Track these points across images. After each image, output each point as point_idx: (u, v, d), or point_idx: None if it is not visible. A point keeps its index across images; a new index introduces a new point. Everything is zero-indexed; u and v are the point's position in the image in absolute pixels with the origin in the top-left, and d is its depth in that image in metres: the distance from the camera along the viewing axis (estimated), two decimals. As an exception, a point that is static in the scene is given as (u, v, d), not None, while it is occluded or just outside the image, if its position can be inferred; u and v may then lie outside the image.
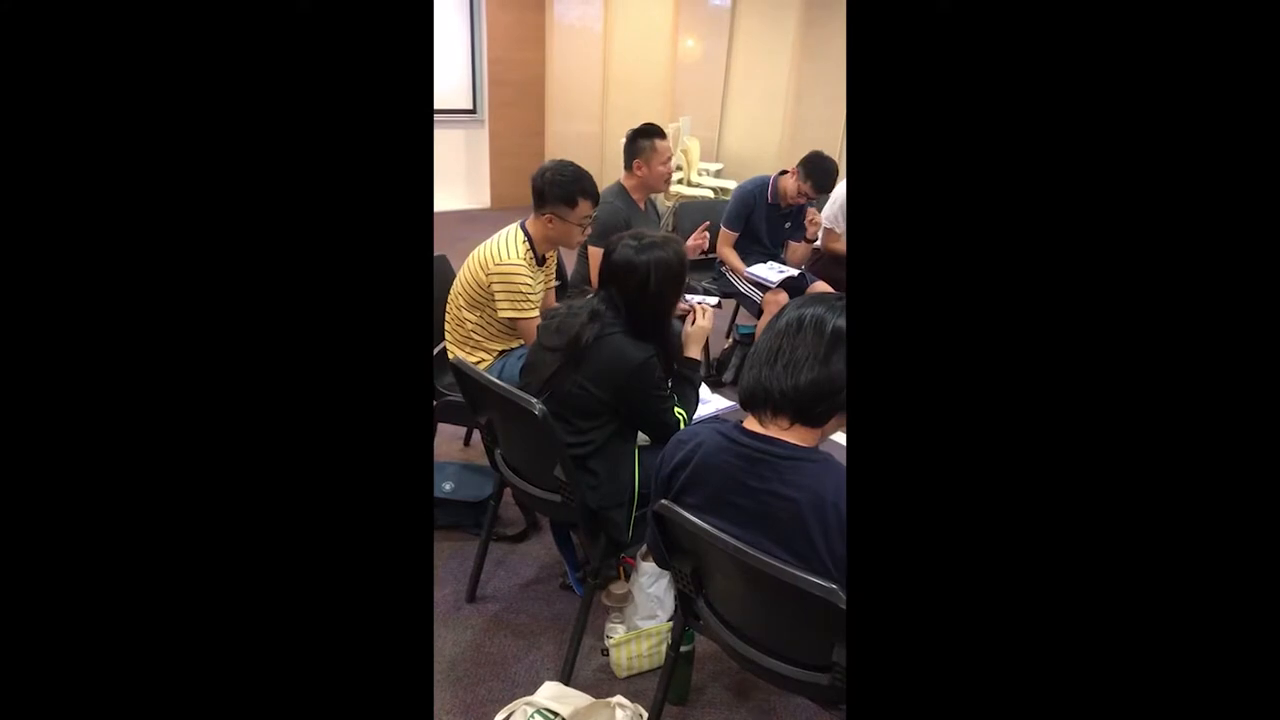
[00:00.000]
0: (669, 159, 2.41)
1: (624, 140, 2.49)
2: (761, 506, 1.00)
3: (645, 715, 1.41)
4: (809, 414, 1.00)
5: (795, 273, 2.81)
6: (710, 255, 2.99)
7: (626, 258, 1.43)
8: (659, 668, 1.56)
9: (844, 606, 0.90)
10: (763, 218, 2.86)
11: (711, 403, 1.83)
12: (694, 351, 1.63)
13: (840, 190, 3.01)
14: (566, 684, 1.46)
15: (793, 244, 2.92)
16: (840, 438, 1.02)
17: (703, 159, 5.56)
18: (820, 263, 3.04)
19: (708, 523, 1.03)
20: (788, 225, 2.91)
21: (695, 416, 1.59)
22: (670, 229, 3.52)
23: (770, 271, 2.80)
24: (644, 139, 2.43)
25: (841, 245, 3.03)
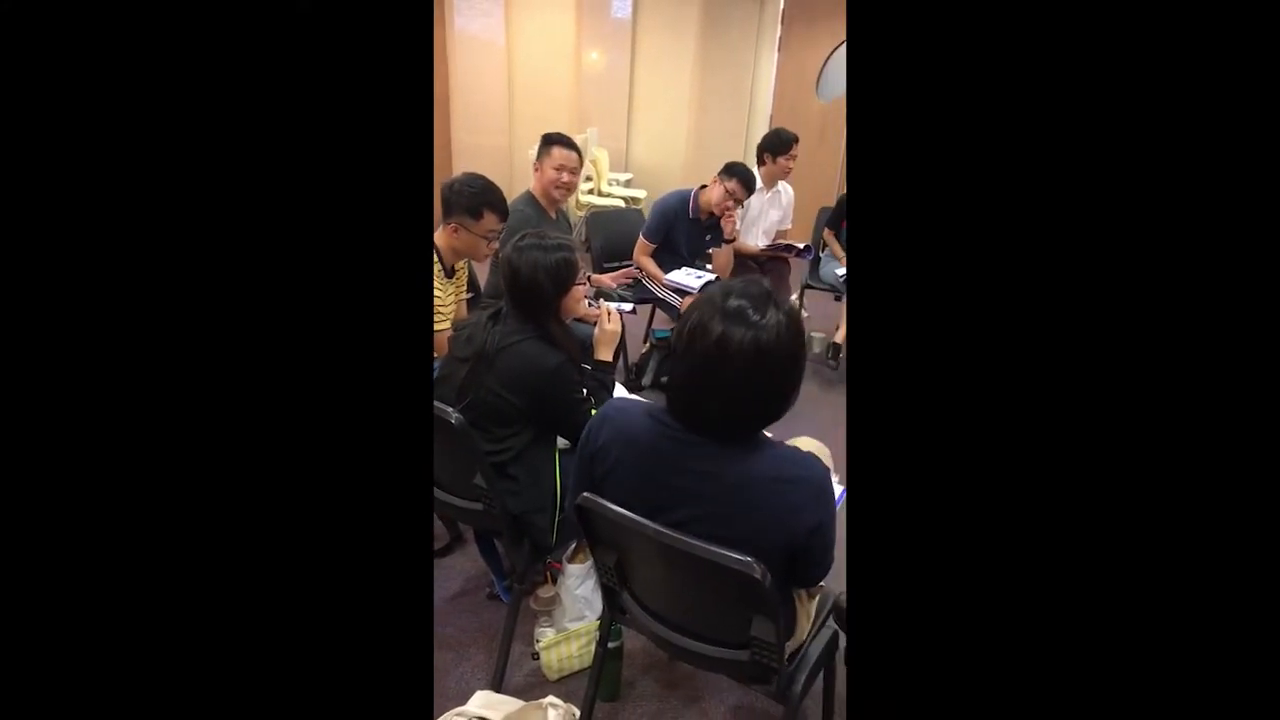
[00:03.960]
0: (563, 166, 2.41)
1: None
2: (692, 486, 1.03)
3: (578, 714, 1.42)
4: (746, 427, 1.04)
5: (713, 278, 2.89)
6: (624, 264, 3.05)
7: (507, 256, 1.46)
8: (590, 667, 1.58)
9: (759, 578, 0.96)
10: (683, 232, 2.92)
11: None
12: (604, 354, 1.66)
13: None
14: (498, 691, 1.46)
15: (714, 252, 3.00)
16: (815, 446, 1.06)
17: (612, 169, 5.63)
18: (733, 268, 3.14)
19: (633, 506, 1.05)
20: (708, 238, 2.99)
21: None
22: (582, 239, 3.56)
23: (689, 278, 2.87)
24: (543, 145, 2.46)
25: (743, 245, 3.15)
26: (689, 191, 2.89)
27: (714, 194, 2.78)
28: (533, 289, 1.45)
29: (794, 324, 0.99)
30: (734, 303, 0.98)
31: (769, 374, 0.97)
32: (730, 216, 2.84)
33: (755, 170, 3.13)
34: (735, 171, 2.74)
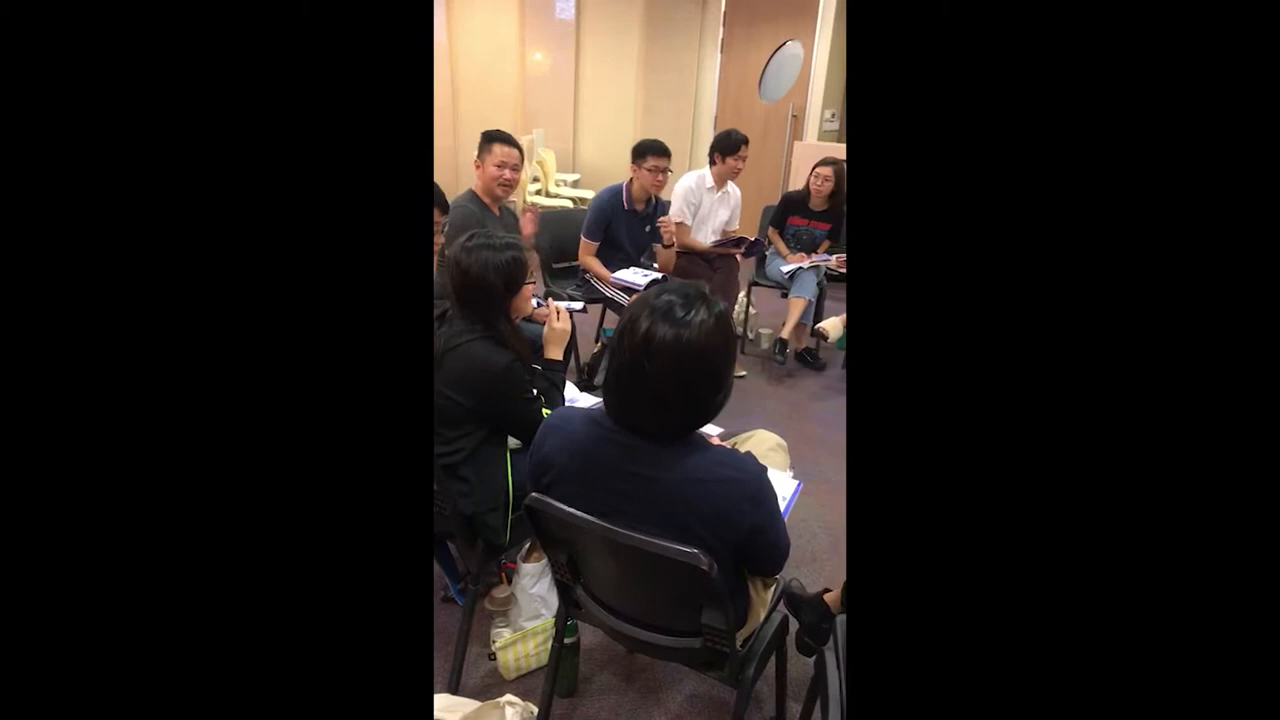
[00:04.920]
0: (504, 163, 2.42)
1: None
2: (635, 488, 1.05)
3: (536, 711, 1.43)
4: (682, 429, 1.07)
5: (660, 276, 2.93)
6: (573, 264, 3.06)
7: (455, 256, 1.46)
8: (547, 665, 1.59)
9: (705, 568, 0.98)
10: (622, 224, 2.96)
11: (580, 401, 1.88)
12: (555, 353, 1.67)
13: (680, 185, 3.18)
14: (455, 693, 1.46)
15: (657, 248, 3.05)
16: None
17: (559, 170, 5.62)
18: (678, 264, 3.19)
19: (581, 508, 1.07)
20: (648, 230, 3.03)
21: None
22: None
23: (636, 276, 2.90)
24: (484, 142, 2.47)
25: (690, 238, 3.21)
26: (620, 185, 2.94)
27: (641, 179, 2.85)
28: (482, 288, 1.45)
29: (721, 324, 1.01)
30: (664, 300, 1.01)
31: (693, 372, 0.99)
32: (667, 226, 2.90)
33: (707, 170, 3.20)
34: (646, 149, 2.82)
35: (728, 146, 3.11)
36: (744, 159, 3.11)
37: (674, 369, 0.98)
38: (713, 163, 3.18)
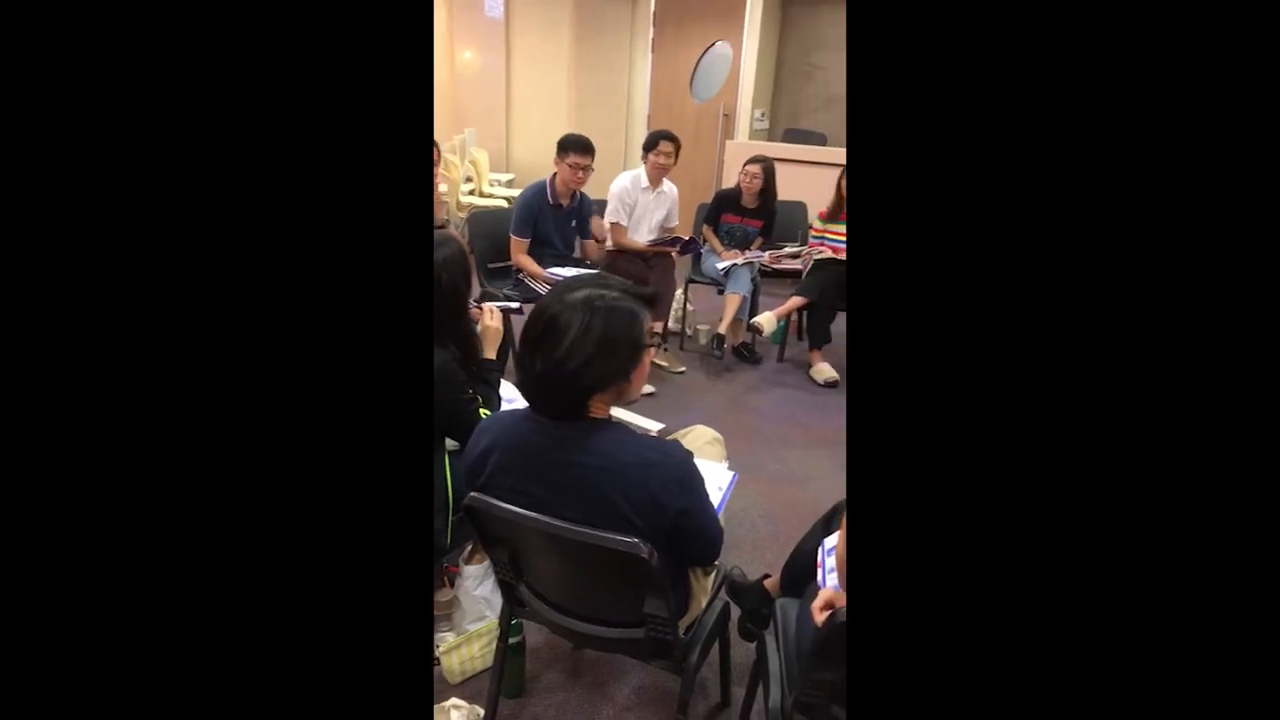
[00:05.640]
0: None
1: None
2: (567, 478, 1.06)
3: (482, 713, 1.42)
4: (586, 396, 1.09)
5: (592, 272, 2.94)
6: (508, 264, 3.04)
7: None
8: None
9: (646, 556, 1.00)
10: (549, 220, 2.98)
11: (518, 400, 1.87)
12: (489, 352, 1.67)
13: (615, 185, 3.21)
14: (398, 702, 1.43)
15: (585, 243, 3.07)
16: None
17: (492, 170, 5.56)
18: (613, 263, 3.20)
19: (519, 504, 1.08)
20: (574, 224, 3.05)
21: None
22: (465, 239, 3.50)
23: (569, 273, 2.90)
24: None
25: (626, 238, 3.24)
26: (543, 181, 2.97)
27: (562, 174, 2.90)
28: (451, 289, 1.46)
29: (623, 303, 1.05)
30: (573, 287, 1.06)
31: (598, 351, 1.03)
32: (598, 226, 2.93)
33: (642, 169, 3.23)
34: (569, 145, 2.86)
35: (648, 144, 3.21)
36: (666, 154, 3.16)
37: (578, 346, 1.03)
38: (644, 161, 3.24)
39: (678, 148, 3.18)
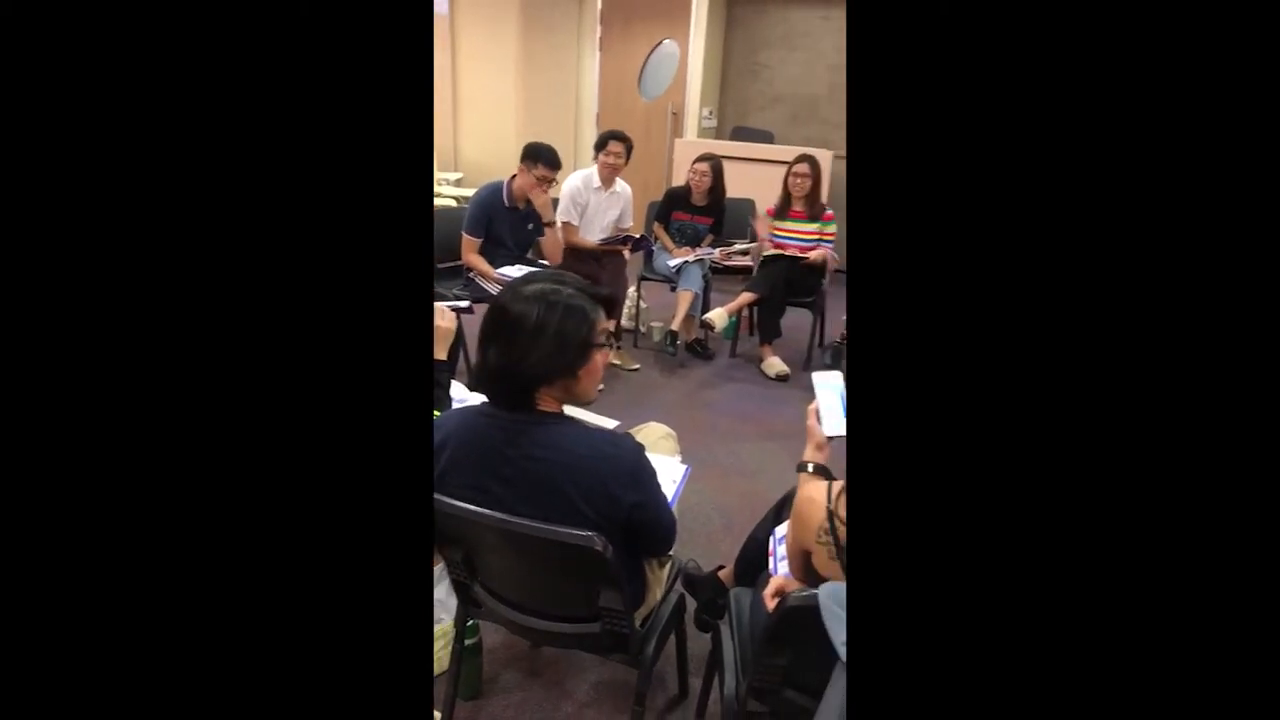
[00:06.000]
0: None
1: None
2: (521, 473, 1.07)
3: (439, 716, 1.41)
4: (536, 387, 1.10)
5: (549, 268, 2.93)
6: (458, 263, 3.00)
7: None
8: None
9: (600, 549, 1.01)
10: (504, 222, 2.95)
11: (469, 400, 1.86)
12: (439, 352, 1.65)
13: (566, 185, 3.20)
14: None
15: (540, 240, 3.05)
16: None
17: (440, 169, 5.48)
18: (565, 262, 3.20)
19: (475, 502, 1.07)
20: (530, 227, 3.03)
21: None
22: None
23: (519, 272, 2.89)
24: None
25: (577, 237, 3.23)
26: (501, 182, 2.94)
27: (523, 182, 2.87)
28: None
29: (576, 301, 1.06)
30: (530, 281, 1.08)
31: (550, 345, 1.04)
32: (550, 218, 2.93)
33: (594, 169, 3.23)
34: (539, 156, 2.84)
35: (599, 143, 3.22)
36: (616, 154, 3.17)
37: (532, 337, 1.04)
38: (596, 160, 3.25)
39: (629, 147, 3.19)
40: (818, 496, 1.01)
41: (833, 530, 0.97)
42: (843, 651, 0.89)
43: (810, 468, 1.21)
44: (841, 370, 3.15)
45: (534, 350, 1.05)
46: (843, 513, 0.97)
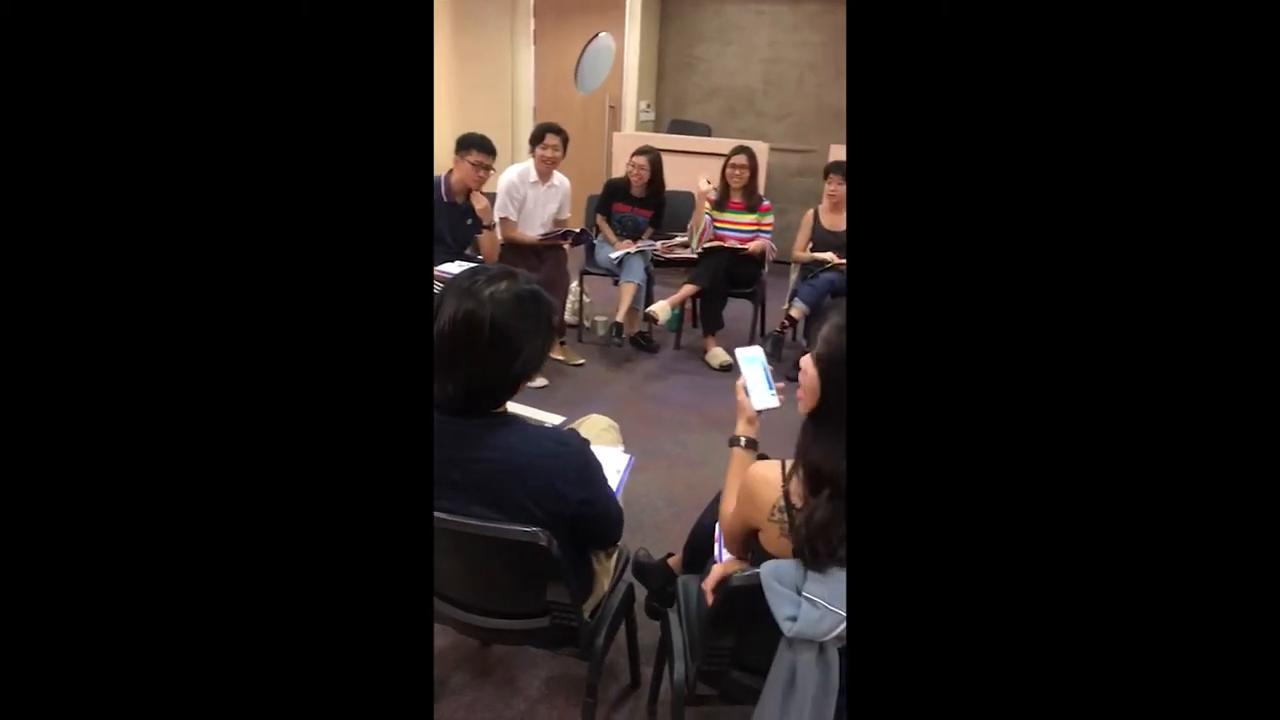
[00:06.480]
0: None
1: None
2: (470, 476, 1.06)
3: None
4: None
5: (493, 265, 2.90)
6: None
7: None
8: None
9: (545, 544, 1.01)
10: (444, 218, 2.90)
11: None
12: None
13: (503, 179, 3.17)
14: None
15: (479, 238, 3.01)
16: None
17: (374, 166, 5.33)
18: (504, 258, 3.16)
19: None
20: (469, 222, 2.98)
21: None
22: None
23: (458, 269, 2.84)
24: None
25: (516, 233, 3.21)
26: (439, 177, 2.90)
27: (462, 172, 2.84)
28: None
29: (522, 298, 1.05)
30: (469, 279, 1.06)
31: (490, 340, 1.02)
32: (484, 210, 2.90)
33: (530, 163, 3.20)
34: (472, 143, 2.82)
35: (534, 137, 3.21)
36: (553, 147, 3.16)
37: (470, 339, 1.01)
38: (532, 154, 3.23)
39: (565, 140, 3.17)
40: (771, 476, 1.02)
41: (787, 509, 0.99)
42: (786, 627, 0.92)
43: (743, 441, 1.24)
44: (777, 356, 3.19)
45: (521, 353, 1.04)
46: (796, 491, 0.99)
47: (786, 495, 0.99)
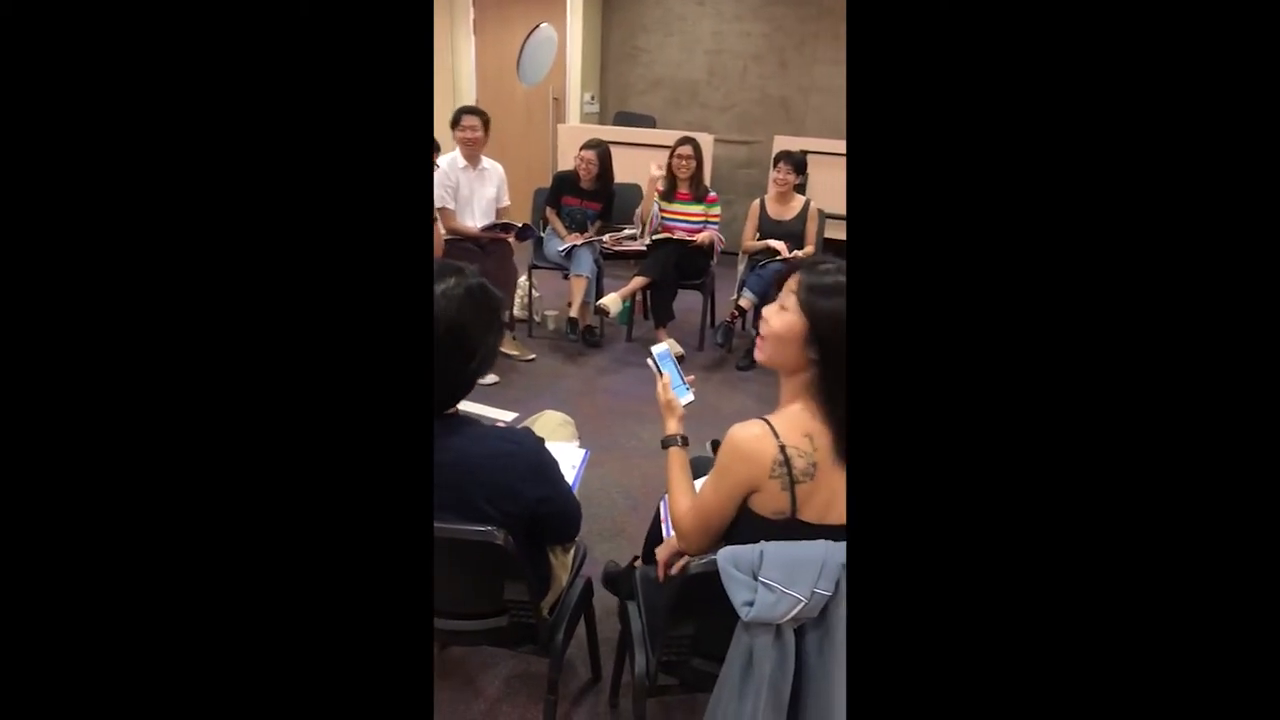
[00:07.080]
0: None
1: None
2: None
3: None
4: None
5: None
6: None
7: None
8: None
9: (501, 543, 1.00)
10: None
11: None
12: None
13: (436, 171, 3.12)
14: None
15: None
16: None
17: (311, 161, 5.17)
18: (448, 251, 3.11)
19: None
20: None
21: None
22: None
23: None
24: None
25: (456, 222, 3.17)
26: None
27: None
28: None
29: (472, 293, 1.03)
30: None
31: (444, 340, 1.00)
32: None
33: (457, 151, 3.15)
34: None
35: (452, 122, 3.20)
36: (472, 128, 3.14)
37: None
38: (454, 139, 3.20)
39: (485, 121, 3.15)
40: (761, 432, 1.01)
41: (786, 461, 0.99)
42: (744, 612, 0.93)
43: (679, 440, 1.24)
44: (727, 345, 3.21)
45: (476, 352, 1.03)
46: (794, 441, 0.99)
47: (784, 449, 0.99)
